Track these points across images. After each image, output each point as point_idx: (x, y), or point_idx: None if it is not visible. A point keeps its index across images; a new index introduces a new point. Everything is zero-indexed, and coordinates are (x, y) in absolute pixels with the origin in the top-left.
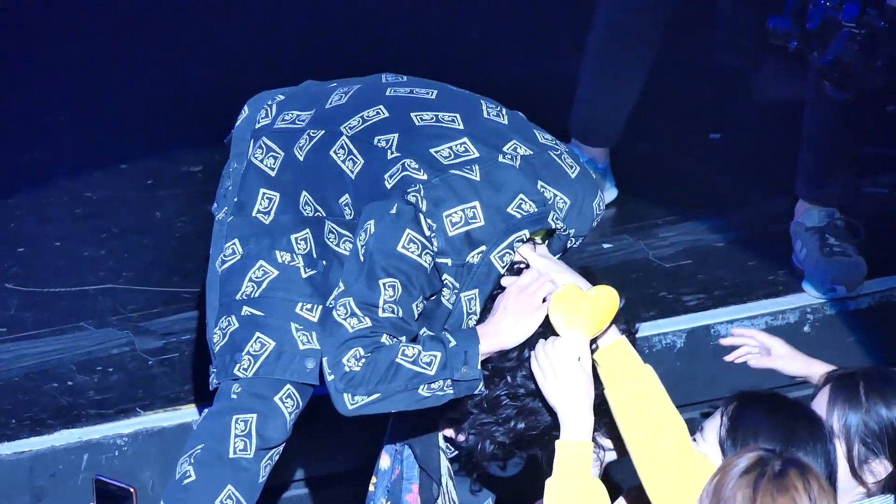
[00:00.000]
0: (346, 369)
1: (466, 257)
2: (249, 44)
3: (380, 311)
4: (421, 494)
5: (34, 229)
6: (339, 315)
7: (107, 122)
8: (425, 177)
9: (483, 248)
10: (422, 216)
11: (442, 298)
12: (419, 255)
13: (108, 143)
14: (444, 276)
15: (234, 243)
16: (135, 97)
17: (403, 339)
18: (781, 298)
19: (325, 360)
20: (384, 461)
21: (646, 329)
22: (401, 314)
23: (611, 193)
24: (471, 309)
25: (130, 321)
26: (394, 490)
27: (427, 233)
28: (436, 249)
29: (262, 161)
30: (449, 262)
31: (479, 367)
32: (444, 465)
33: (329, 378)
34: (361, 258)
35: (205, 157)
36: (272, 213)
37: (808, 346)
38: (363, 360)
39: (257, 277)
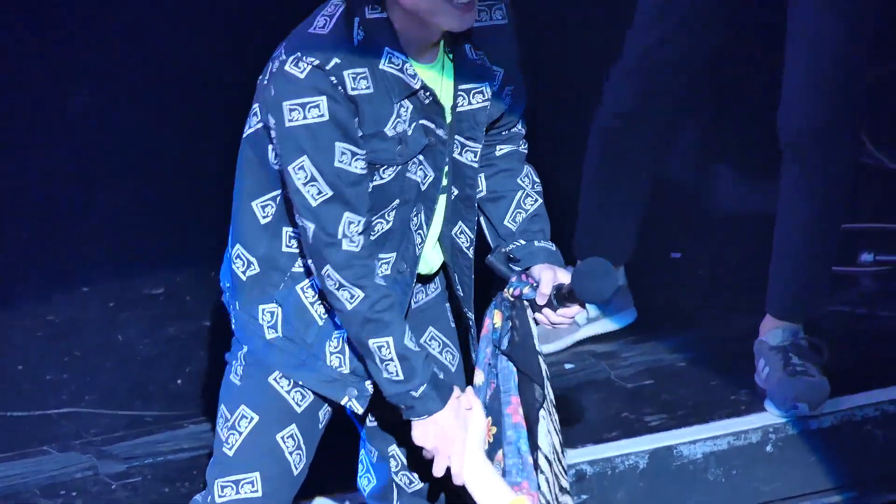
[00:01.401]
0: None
1: None
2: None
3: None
4: (523, 404)
5: None
6: None
7: (68, 245)
8: None
9: None
10: None
11: None
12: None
13: (69, 266)
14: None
15: None
16: (96, 218)
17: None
18: (744, 418)
19: None
20: (478, 377)
21: (608, 450)
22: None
23: (630, 315)
24: None
25: (93, 445)
26: (492, 405)
27: None
28: None
29: None
30: None
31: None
32: (544, 367)
33: None
34: None
35: (167, 279)
36: None
37: (771, 465)
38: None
39: None
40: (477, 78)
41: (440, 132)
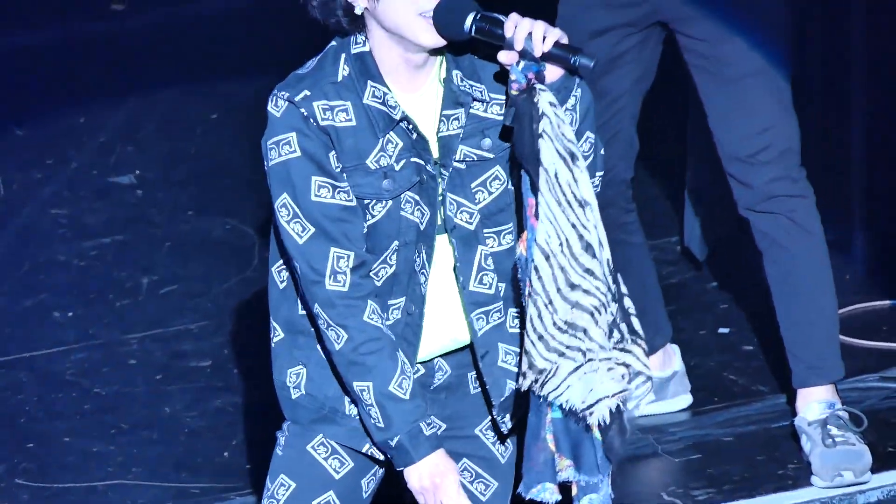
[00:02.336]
0: None
1: None
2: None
3: None
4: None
5: (43, 425)
6: None
7: (115, 318)
8: None
9: None
10: None
11: None
12: None
13: (116, 339)
14: None
15: None
16: (142, 292)
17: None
18: (791, 492)
19: None
20: None
21: None
22: None
23: (686, 400)
24: None
25: None
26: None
27: None
28: None
29: None
30: None
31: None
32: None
33: None
34: None
35: (213, 351)
36: None
37: None
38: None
39: None
40: (457, 104)
41: (429, 167)
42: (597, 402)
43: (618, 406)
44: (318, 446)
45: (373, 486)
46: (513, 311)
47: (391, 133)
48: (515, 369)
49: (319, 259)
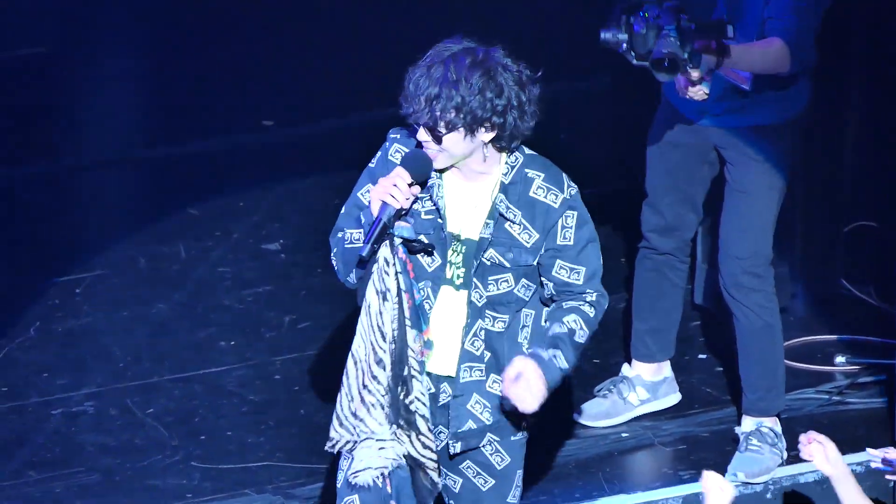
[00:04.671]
0: None
1: None
2: None
3: None
4: None
5: (211, 423)
6: None
7: (263, 346)
8: None
9: None
10: None
11: None
12: None
13: (265, 361)
14: None
15: None
16: (283, 326)
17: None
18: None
19: None
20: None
21: (652, 496)
22: None
23: (675, 398)
24: None
25: (281, 489)
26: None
27: None
28: None
29: None
30: None
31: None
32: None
33: None
34: None
35: (338, 369)
36: None
37: None
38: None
39: None
40: (493, 217)
41: (443, 233)
42: (364, 469)
43: (423, 467)
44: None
45: (395, 482)
46: (494, 375)
47: (427, 195)
48: (480, 416)
49: (340, 224)
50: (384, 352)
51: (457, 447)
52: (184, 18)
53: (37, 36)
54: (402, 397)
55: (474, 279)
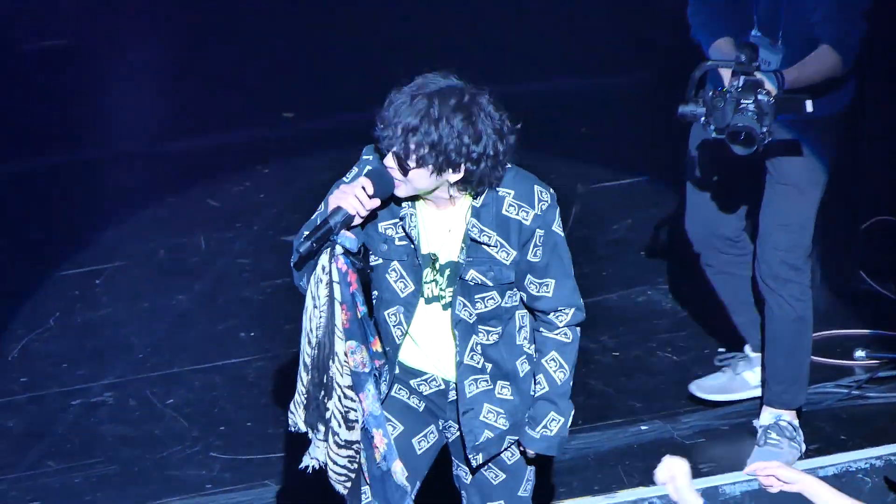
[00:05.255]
0: None
1: None
2: None
3: None
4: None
5: (231, 414)
6: None
7: (283, 338)
8: None
9: None
10: None
11: None
12: None
13: (283, 353)
14: None
15: None
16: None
17: None
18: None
19: None
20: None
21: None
22: None
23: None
24: None
25: (303, 480)
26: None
27: None
28: None
29: None
30: None
31: None
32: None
33: None
34: None
35: None
36: None
37: (791, 499)
38: None
39: None
40: (469, 242)
41: (418, 259)
42: (305, 462)
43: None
44: None
45: (426, 446)
46: (501, 382)
47: (401, 223)
48: (496, 424)
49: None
50: (308, 356)
51: (478, 458)
52: (205, 10)
53: (59, 28)
54: (323, 400)
55: (462, 298)
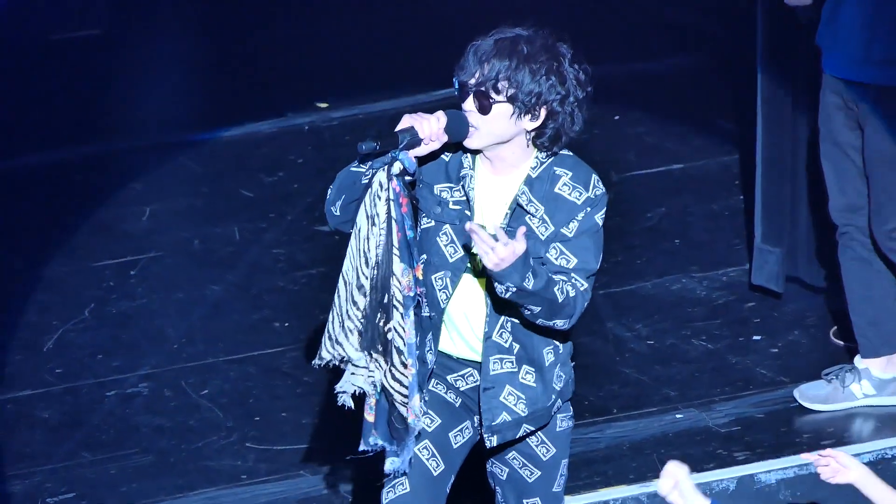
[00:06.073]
0: None
1: None
2: None
3: None
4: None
5: (265, 404)
6: None
7: (318, 328)
8: None
9: None
10: None
11: None
12: None
13: (318, 343)
14: None
15: None
16: None
17: None
18: (807, 453)
19: None
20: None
21: (708, 477)
22: None
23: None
24: None
25: (337, 469)
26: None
27: None
28: None
29: None
30: None
31: None
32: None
33: None
34: None
35: None
36: None
37: (828, 489)
38: None
39: None
40: (515, 211)
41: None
42: (343, 391)
43: (392, 400)
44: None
45: (461, 441)
46: (527, 367)
47: (459, 184)
48: (515, 408)
49: None
50: (366, 277)
51: (493, 440)
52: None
53: (91, 18)
54: (380, 323)
55: None
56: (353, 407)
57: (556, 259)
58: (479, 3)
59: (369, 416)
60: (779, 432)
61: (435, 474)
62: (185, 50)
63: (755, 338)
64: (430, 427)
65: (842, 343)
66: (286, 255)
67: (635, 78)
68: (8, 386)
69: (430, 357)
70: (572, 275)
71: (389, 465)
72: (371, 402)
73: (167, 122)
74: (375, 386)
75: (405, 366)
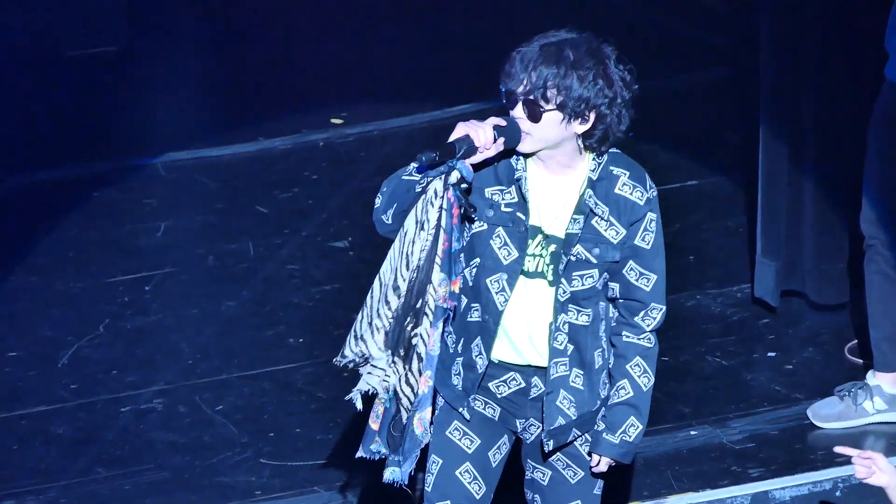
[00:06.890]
0: None
1: None
2: None
3: None
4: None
5: (280, 420)
6: None
7: (332, 344)
8: None
9: None
10: None
11: None
12: None
13: (330, 354)
14: None
15: None
16: (352, 324)
17: None
18: (820, 472)
19: None
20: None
21: (721, 494)
22: None
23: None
24: None
25: (351, 486)
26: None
27: None
28: None
29: None
30: None
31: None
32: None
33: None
34: None
35: None
36: None
37: None
38: None
39: None
40: (581, 212)
41: (522, 228)
42: (356, 390)
43: (400, 405)
44: (453, 431)
45: (499, 458)
46: (577, 370)
47: (511, 186)
48: (568, 411)
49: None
50: (403, 280)
51: (550, 444)
52: (252, 16)
53: (108, 36)
54: (408, 327)
55: (561, 278)
56: (361, 409)
57: (636, 281)
58: (493, 22)
59: (374, 425)
60: (793, 449)
61: (477, 497)
62: (201, 66)
63: (770, 354)
64: (469, 449)
65: (857, 360)
66: (301, 271)
67: (650, 95)
68: (23, 402)
69: (480, 362)
70: (651, 303)
71: (388, 474)
72: (378, 410)
73: (182, 138)
74: (388, 391)
75: (421, 373)
